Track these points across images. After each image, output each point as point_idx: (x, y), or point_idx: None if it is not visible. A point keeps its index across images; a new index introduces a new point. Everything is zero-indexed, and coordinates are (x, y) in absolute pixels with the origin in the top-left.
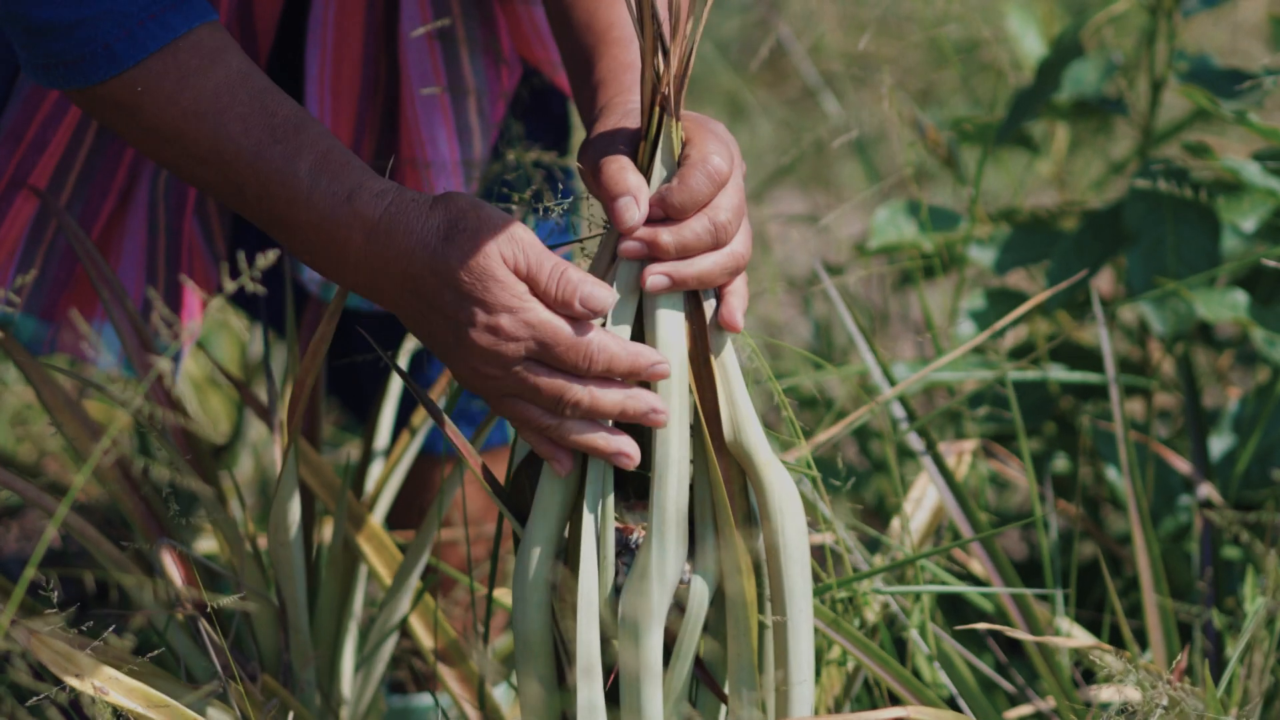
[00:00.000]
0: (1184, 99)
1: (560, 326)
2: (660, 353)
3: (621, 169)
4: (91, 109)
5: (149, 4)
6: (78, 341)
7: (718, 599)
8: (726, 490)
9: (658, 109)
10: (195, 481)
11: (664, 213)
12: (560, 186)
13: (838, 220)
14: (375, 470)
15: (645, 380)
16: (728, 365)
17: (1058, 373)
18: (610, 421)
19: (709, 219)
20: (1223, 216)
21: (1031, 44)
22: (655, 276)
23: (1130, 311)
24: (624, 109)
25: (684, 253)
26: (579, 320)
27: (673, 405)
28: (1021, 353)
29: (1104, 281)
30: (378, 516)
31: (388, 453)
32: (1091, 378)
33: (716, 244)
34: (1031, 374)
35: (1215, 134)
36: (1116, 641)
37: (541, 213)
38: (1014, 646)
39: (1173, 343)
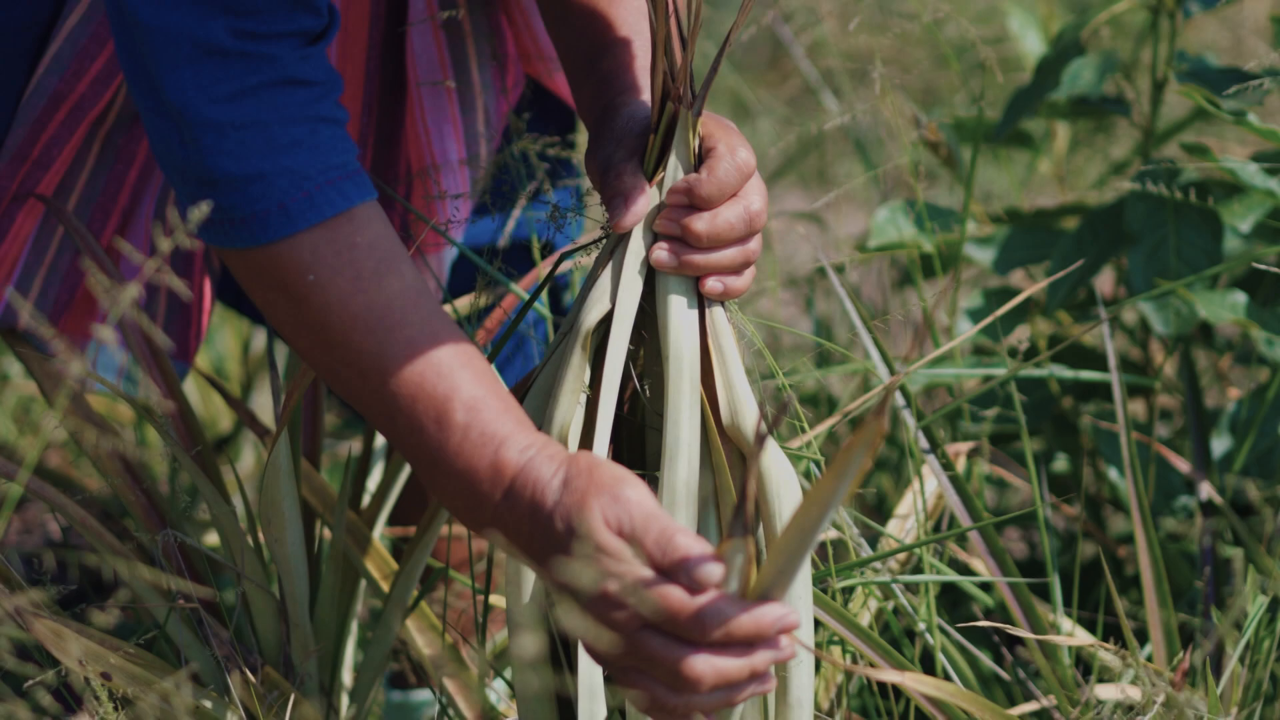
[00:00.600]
0: (1185, 99)
1: (667, 594)
2: (786, 606)
3: (620, 172)
4: (251, 276)
5: (327, 169)
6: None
7: None
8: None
9: (670, 103)
10: (197, 474)
11: (690, 202)
12: (564, 178)
13: (838, 219)
14: (377, 469)
15: (773, 637)
16: (725, 350)
17: (1060, 372)
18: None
19: (744, 206)
20: (1223, 217)
21: (1032, 43)
22: (663, 253)
23: (1131, 312)
24: (628, 109)
25: (715, 241)
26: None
27: (683, 388)
28: (1023, 354)
29: (1105, 282)
30: (379, 524)
31: (389, 451)
32: (1094, 376)
33: (750, 231)
34: (1031, 372)
35: (1216, 135)
36: (1117, 641)
37: (548, 206)
38: (1015, 645)
39: (1175, 343)
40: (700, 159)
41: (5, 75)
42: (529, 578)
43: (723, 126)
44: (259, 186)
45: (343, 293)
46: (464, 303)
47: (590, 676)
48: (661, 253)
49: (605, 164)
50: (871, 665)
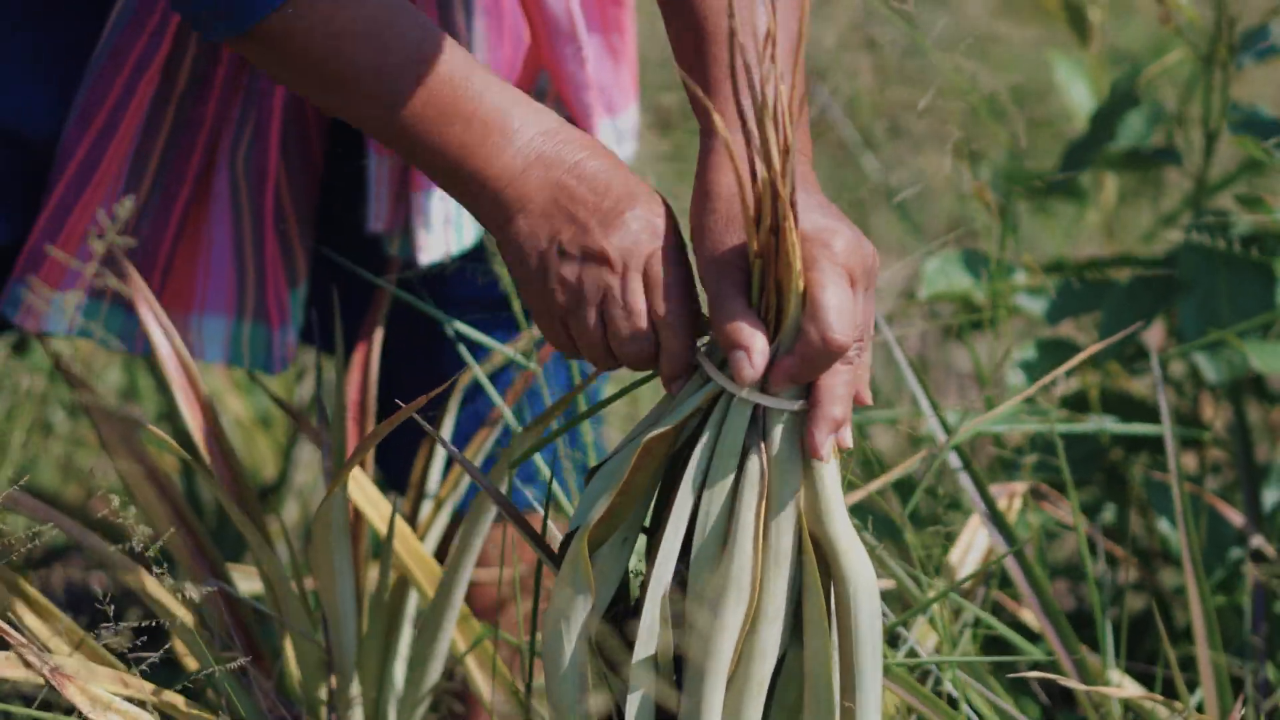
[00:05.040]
0: (1234, 151)
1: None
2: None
3: (732, 315)
4: (248, 52)
5: None
6: (183, 335)
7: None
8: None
9: (760, 262)
10: (243, 522)
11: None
12: None
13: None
14: (425, 509)
15: None
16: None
17: (1110, 424)
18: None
19: (850, 369)
20: (1276, 268)
21: (1080, 95)
22: (827, 446)
23: (1180, 364)
24: (732, 193)
25: (848, 406)
26: None
27: (786, 511)
28: (1072, 403)
29: (1154, 334)
30: (429, 546)
31: (438, 494)
32: (1146, 429)
33: (855, 379)
34: (1083, 425)
35: (1267, 187)
36: (1169, 694)
37: None
38: (1064, 698)
39: (1227, 392)
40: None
41: (76, 30)
42: (570, 652)
43: (818, 263)
44: None
45: (325, 15)
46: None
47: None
48: (829, 444)
49: (713, 293)
50: None
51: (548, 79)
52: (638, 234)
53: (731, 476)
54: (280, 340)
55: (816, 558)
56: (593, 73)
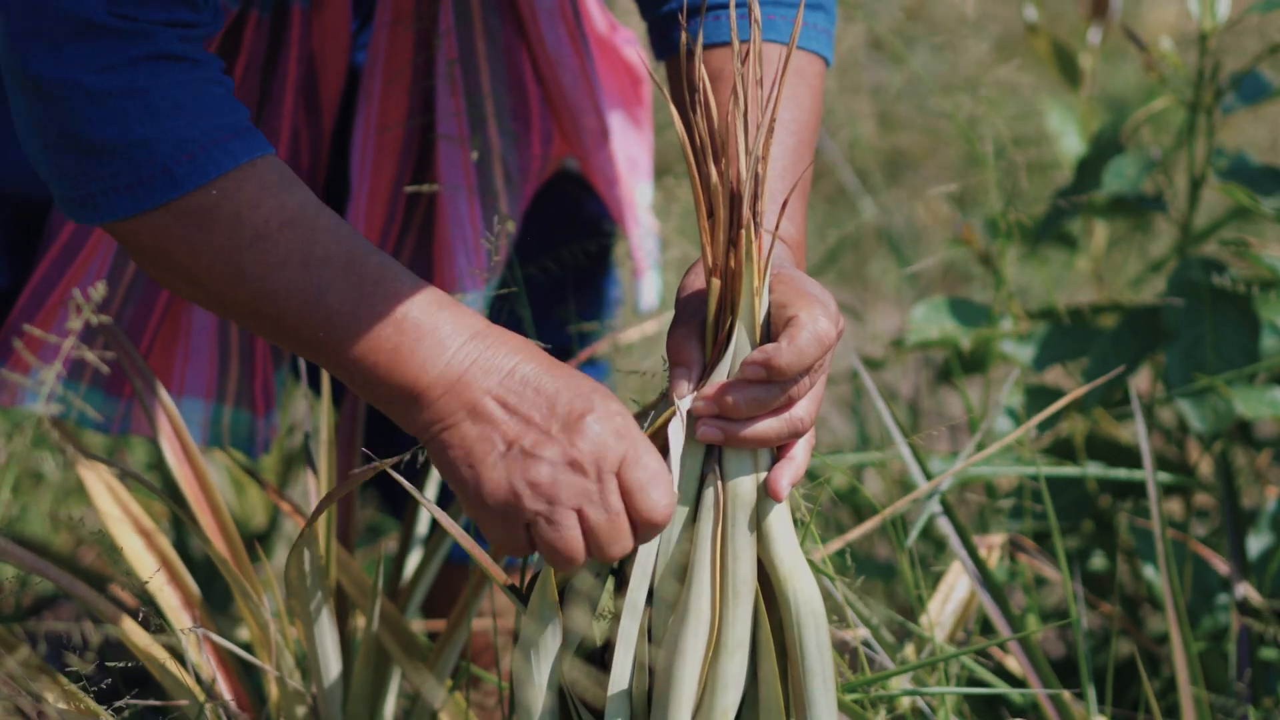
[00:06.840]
0: (1222, 197)
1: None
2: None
3: (682, 340)
4: (139, 240)
5: (211, 130)
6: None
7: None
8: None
9: (718, 280)
10: (229, 572)
11: (768, 375)
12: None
13: (874, 316)
14: (412, 559)
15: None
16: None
17: (1095, 470)
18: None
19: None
20: (1261, 314)
21: (1071, 142)
22: (708, 429)
23: (1167, 410)
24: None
25: (754, 409)
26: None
27: (741, 538)
28: (1058, 450)
29: (1142, 380)
30: (412, 609)
31: (426, 542)
32: (1130, 475)
33: (789, 400)
34: (1069, 470)
35: (1254, 233)
36: None
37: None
38: None
39: (1211, 440)
40: (768, 325)
41: None
42: (538, 684)
43: (801, 293)
44: (142, 152)
45: (233, 215)
46: None
47: None
48: (710, 430)
49: (670, 330)
50: None
51: (574, 160)
52: (603, 437)
53: (690, 505)
54: (264, 426)
55: (761, 582)
56: (619, 147)
